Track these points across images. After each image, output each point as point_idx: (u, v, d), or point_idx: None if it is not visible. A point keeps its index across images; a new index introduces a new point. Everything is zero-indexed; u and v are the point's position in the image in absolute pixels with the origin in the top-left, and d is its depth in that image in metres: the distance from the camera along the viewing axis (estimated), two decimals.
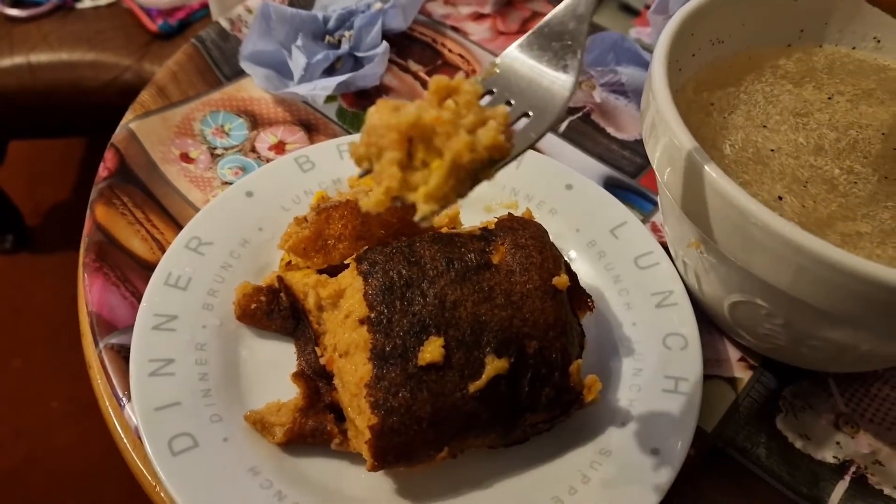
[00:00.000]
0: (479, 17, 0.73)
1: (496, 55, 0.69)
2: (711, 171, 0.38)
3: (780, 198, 0.42)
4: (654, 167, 0.43)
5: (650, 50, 0.69)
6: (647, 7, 0.74)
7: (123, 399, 0.45)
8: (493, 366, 0.40)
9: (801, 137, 0.44)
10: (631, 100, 0.65)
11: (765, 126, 0.45)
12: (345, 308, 0.42)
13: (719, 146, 0.44)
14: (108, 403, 0.46)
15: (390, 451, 0.39)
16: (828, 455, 0.46)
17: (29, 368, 1.44)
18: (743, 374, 0.49)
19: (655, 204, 0.58)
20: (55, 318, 1.49)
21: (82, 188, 1.72)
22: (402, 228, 0.47)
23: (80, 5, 1.30)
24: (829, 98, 0.46)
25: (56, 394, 1.39)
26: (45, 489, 1.26)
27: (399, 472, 0.42)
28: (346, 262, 0.44)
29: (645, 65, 0.66)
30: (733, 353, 0.50)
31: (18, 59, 1.24)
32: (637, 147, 0.62)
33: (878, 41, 0.51)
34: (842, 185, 0.42)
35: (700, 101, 0.47)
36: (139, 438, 0.42)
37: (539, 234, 0.45)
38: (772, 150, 0.44)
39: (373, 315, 0.41)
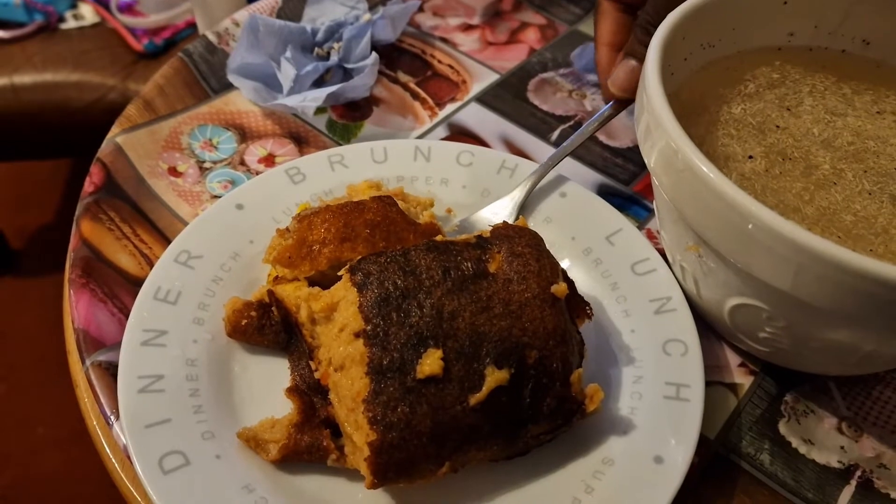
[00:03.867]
0: (467, 27, 0.73)
1: (486, 66, 0.69)
2: (710, 172, 0.37)
3: (751, 157, 0.41)
4: (651, 170, 0.43)
5: None
6: None
7: (111, 418, 0.43)
8: (494, 377, 0.39)
9: (817, 129, 0.44)
10: None
11: (788, 109, 0.45)
12: (339, 321, 0.41)
13: (733, 109, 0.44)
14: (95, 423, 0.45)
15: (390, 468, 0.38)
16: (832, 460, 0.46)
17: (14, 393, 1.41)
18: (744, 379, 0.49)
19: (650, 211, 0.58)
20: (40, 343, 1.46)
21: (68, 210, 1.70)
22: (389, 227, 0.46)
23: (64, 26, 1.29)
24: (879, 112, 0.46)
25: (42, 419, 1.36)
26: None
27: (398, 487, 0.40)
28: (339, 273, 0.43)
29: None
30: (733, 359, 0.50)
31: (2, 81, 1.22)
32: (630, 154, 0.62)
33: (868, 43, 0.51)
34: (820, 177, 0.42)
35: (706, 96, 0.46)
36: (128, 458, 0.41)
37: (535, 241, 0.44)
38: (777, 126, 0.43)
39: (368, 328, 0.40)
